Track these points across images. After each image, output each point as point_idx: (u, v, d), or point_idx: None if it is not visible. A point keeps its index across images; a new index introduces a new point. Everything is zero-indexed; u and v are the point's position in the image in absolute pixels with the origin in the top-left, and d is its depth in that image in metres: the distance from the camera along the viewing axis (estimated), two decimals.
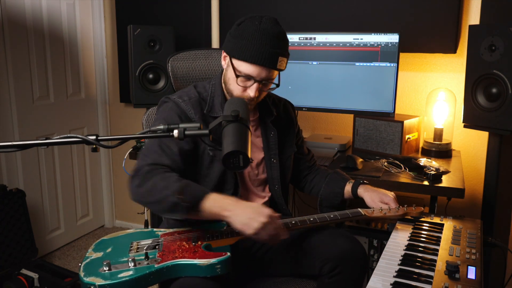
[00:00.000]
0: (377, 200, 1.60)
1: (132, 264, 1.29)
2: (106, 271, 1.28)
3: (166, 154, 1.46)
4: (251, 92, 1.50)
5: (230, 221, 1.32)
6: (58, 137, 1.10)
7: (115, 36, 3.28)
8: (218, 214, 1.34)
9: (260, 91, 1.53)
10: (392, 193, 1.62)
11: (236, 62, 1.49)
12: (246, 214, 1.31)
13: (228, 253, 1.33)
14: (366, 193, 1.63)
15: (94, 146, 1.10)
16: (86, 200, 3.44)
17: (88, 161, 3.41)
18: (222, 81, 1.61)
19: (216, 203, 1.34)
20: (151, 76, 2.63)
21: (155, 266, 1.29)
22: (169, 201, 1.34)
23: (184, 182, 1.38)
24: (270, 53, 1.45)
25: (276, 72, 1.53)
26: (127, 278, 1.25)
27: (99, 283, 1.23)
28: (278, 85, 1.54)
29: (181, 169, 1.47)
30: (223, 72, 1.61)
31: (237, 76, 1.50)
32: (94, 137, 1.10)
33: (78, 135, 1.10)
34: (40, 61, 2.93)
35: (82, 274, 1.28)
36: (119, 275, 1.26)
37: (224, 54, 1.56)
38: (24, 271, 2.54)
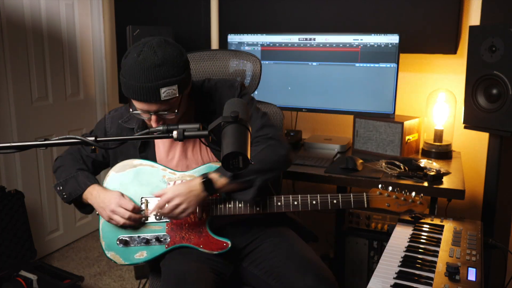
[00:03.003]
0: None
1: (145, 248, 1.54)
2: (122, 246, 1.54)
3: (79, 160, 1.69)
4: (153, 123, 1.48)
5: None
6: (57, 138, 1.10)
7: (114, 37, 3.27)
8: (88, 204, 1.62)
9: (163, 120, 1.48)
10: (165, 198, 1.49)
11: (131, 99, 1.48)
12: (100, 203, 1.55)
13: (229, 244, 1.48)
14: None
15: (93, 147, 1.10)
16: None
17: None
18: None
19: (88, 198, 1.59)
20: None
21: (165, 248, 1.53)
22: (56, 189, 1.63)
23: (75, 174, 1.62)
24: (148, 88, 1.40)
25: (172, 101, 1.45)
26: (142, 260, 1.53)
27: (120, 263, 1.55)
28: (178, 113, 1.48)
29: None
30: None
31: (133, 112, 1.50)
32: (92, 138, 1.09)
33: (77, 136, 1.10)
34: (39, 62, 2.93)
35: (103, 243, 1.56)
36: (135, 256, 1.53)
37: None
38: (23, 273, 2.54)
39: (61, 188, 1.61)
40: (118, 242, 1.54)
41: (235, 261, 1.61)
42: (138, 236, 1.54)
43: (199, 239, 1.51)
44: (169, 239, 1.52)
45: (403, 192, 1.55)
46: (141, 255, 1.53)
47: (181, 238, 1.51)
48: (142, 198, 1.56)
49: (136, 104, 1.46)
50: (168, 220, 1.54)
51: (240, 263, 1.63)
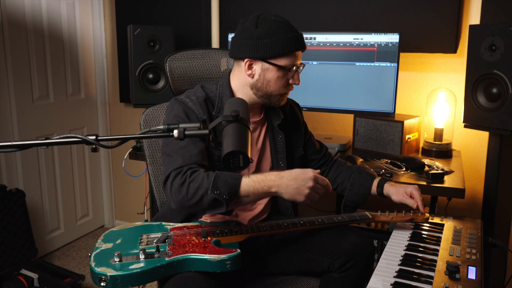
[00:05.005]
0: (401, 192, 1.60)
1: (143, 256, 1.31)
2: (117, 262, 1.29)
3: (190, 155, 1.47)
4: (297, 80, 1.57)
5: (280, 195, 1.41)
6: (58, 137, 1.10)
7: (115, 36, 3.28)
8: (265, 192, 1.39)
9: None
10: (415, 186, 1.62)
11: (276, 60, 1.51)
12: (293, 185, 1.38)
13: (239, 250, 1.34)
14: (391, 188, 1.64)
15: (94, 146, 1.10)
16: (86, 200, 3.43)
17: (88, 161, 3.40)
18: (249, 87, 1.58)
19: (258, 183, 1.38)
20: (151, 76, 2.62)
21: (166, 259, 1.30)
22: (206, 200, 1.37)
23: (212, 175, 1.38)
24: (299, 37, 1.53)
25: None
26: (138, 270, 1.26)
27: (110, 274, 1.24)
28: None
29: (205, 166, 1.50)
30: (252, 82, 1.57)
31: (289, 70, 1.53)
32: (93, 137, 1.09)
33: (78, 135, 1.10)
34: (40, 61, 2.93)
35: (93, 264, 1.30)
36: (130, 267, 1.27)
37: (249, 62, 1.54)
38: (23, 271, 2.54)
39: (217, 191, 1.36)
40: (111, 261, 1.32)
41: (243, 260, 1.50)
42: (138, 257, 1.33)
43: (204, 250, 1.36)
44: (170, 253, 1.35)
45: (403, 212, 1.58)
46: (138, 265, 1.29)
47: (184, 252, 1.35)
48: (142, 235, 1.46)
49: (288, 59, 1.52)
50: (169, 251, 1.36)
51: (255, 256, 1.60)
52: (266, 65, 1.52)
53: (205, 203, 1.38)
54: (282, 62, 1.51)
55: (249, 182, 1.38)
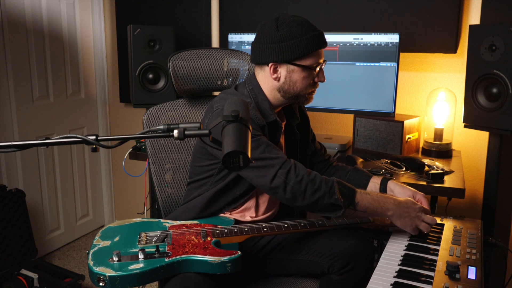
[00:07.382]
0: (408, 195, 1.56)
1: (142, 256, 1.30)
2: (116, 262, 1.28)
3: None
4: (322, 77, 1.58)
5: (392, 220, 1.45)
6: (58, 137, 1.10)
7: (115, 36, 3.28)
8: (380, 213, 1.44)
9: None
10: (423, 193, 1.58)
11: (301, 61, 1.51)
12: (406, 214, 1.43)
13: (239, 252, 1.33)
14: (397, 186, 1.61)
15: (94, 146, 1.10)
16: (86, 200, 3.43)
17: (88, 161, 3.40)
18: (276, 90, 1.57)
19: (378, 202, 1.43)
20: (151, 76, 2.62)
21: (166, 260, 1.29)
22: (324, 203, 1.39)
23: (332, 180, 1.42)
24: (320, 35, 1.53)
25: None
26: (137, 271, 1.25)
27: (109, 274, 1.23)
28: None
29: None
30: (278, 85, 1.56)
31: (313, 69, 1.53)
32: (93, 137, 1.09)
33: (78, 135, 1.09)
34: (40, 61, 2.93)
35: (91, 263, 1.29)
36: (130, 267, 1.26)
37: (274, 66, 1.53)
38: (23, 271, 2.54)
39: (339, 198, 1.39)
40: (109, 261, 1.31)
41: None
42: (137, 258, 1.32)
43: (204, 251, 1.34)
44: (170, 254, 1.34)
45: None
46: (137, 266, 1.27)
47: (184, 252, 1.34)
48: (140, 233, 1.46)
49: (313, 57, 1.52)
50: (168, 251, 1.35)
51: (255, 258, 1.60)
52: (291, 67, 1.52)
53: (323, 206, 1.40)
54: (306, 62, 1.51)
55: (366, 197, 1.42)
